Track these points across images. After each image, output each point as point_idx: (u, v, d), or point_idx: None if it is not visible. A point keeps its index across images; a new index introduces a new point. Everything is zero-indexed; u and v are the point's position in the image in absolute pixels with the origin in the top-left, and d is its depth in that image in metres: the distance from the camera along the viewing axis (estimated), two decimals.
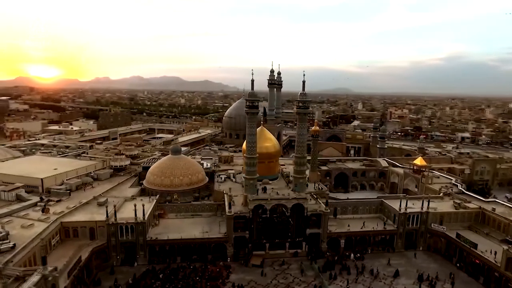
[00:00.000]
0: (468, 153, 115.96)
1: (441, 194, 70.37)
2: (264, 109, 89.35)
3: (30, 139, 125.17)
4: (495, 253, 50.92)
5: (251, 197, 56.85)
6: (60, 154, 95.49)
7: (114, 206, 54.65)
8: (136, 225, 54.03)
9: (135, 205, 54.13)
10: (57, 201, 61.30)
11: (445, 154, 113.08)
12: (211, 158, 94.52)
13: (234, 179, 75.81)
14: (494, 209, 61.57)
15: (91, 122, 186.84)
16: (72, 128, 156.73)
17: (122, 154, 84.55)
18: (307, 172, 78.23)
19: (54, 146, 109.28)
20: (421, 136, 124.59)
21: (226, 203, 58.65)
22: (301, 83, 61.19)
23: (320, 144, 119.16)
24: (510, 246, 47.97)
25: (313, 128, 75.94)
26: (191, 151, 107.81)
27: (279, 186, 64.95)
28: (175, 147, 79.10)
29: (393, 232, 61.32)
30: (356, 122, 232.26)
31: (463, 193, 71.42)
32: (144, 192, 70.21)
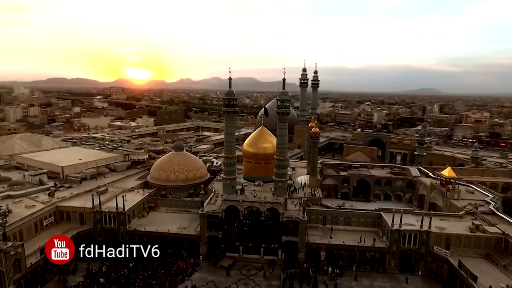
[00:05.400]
0: None
1: (461, 213, 59.14)
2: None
3: (89, 132, 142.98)
4: None
5: (224, 197, 55.93)
6: (101, 147, 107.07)
7: (99, 196, 59.21)
8: (117, 214, 57.66)
9: (116, 196, 57.94)
10: (68, 187, 68.93)
11: (506, 166, 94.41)
12: None
13: None
14: None
15: (152, 119, 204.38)
16: (131, 124, 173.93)
17: (142, 148, 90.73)
18: (305, 177, 73.90)
19: (103, 139, 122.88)
20: (475, 144, 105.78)
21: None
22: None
23: (348, 148, 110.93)
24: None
25: (312, 129, 70.71)
26: (215, 149, 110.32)
27: (263, 189, 62.36)
28: (177, 143, 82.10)
29: (384, 250, 53.75)
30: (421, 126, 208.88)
31: (493, 213, 58.83)
32: (146, 185, 74.39)
